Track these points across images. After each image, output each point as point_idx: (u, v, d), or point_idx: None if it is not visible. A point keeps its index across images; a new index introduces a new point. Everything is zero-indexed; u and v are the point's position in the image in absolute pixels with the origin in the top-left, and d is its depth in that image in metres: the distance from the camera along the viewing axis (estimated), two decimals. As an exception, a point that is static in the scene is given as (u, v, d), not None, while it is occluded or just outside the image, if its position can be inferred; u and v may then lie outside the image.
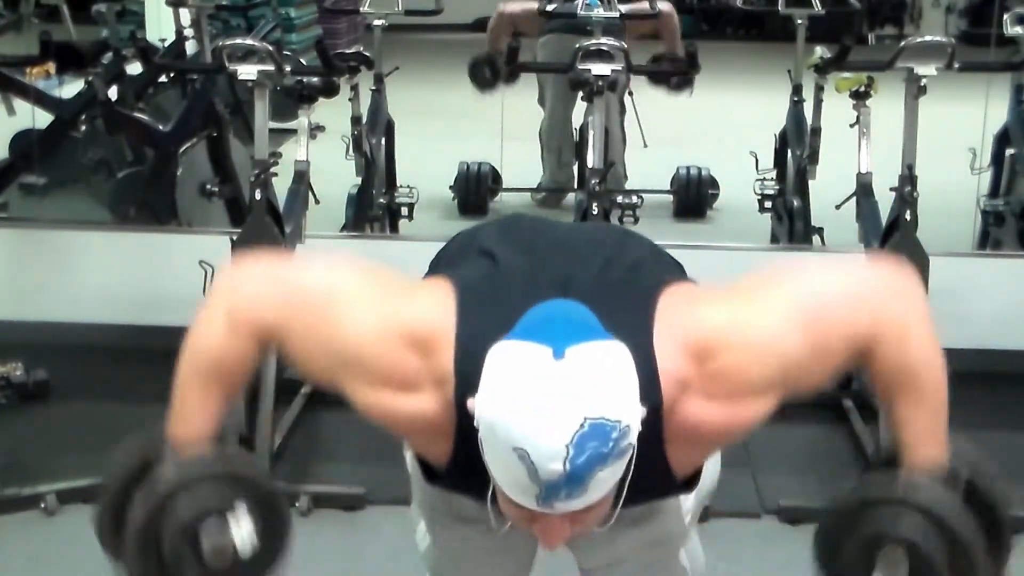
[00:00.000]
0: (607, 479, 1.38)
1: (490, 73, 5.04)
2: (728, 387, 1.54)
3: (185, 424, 1.63)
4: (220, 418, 1.66)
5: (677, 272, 1.77)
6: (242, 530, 1.57)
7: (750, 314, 1.58)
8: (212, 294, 1.69)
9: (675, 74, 3.74)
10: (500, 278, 1.63)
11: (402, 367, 1.54)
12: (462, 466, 1.53)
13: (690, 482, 1.65)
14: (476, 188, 5.33)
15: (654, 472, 1.52)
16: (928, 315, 1.66)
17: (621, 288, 1.62)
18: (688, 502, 1.86)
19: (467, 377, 1.47)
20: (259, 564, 1.60)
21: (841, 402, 3.73)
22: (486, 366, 1.40)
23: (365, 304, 1.60)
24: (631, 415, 1.37)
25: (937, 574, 1.54)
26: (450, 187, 5.33)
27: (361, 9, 4.76)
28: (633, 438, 1.38)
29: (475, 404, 1.39)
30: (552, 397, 1.34)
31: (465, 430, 1.45)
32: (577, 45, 3.58)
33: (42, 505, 3.09)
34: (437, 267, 1.80)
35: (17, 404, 3.67)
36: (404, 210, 4.88)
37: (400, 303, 1.61)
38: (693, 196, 5.40)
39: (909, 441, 1.64)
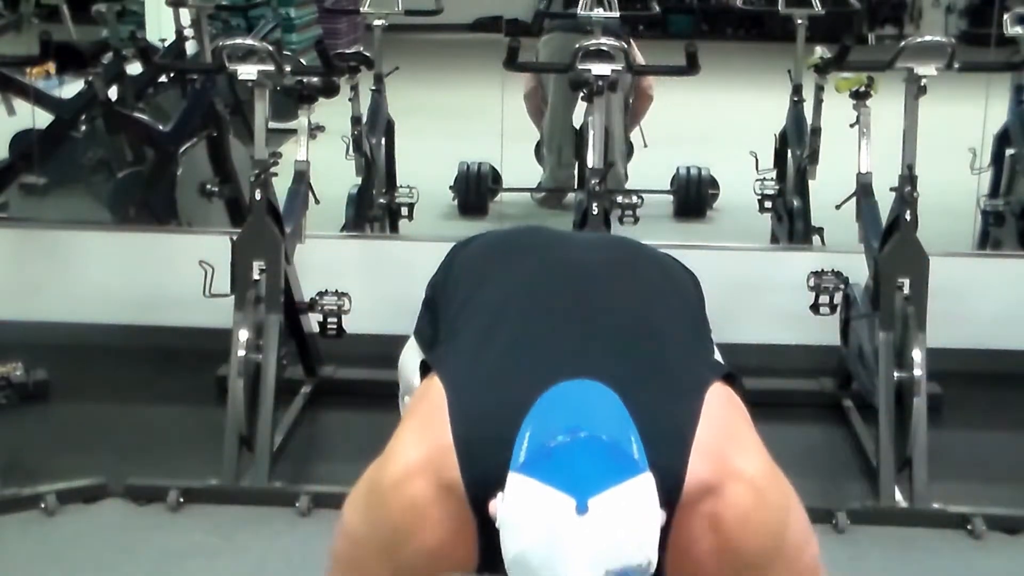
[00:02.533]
0: None
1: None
2: (725, 534, 1.60)
3: None
4: None
5: (708, 341, 1.85)
6: None
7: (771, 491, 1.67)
8: None
9: (675, 74, 3.73)
10: (507, 349, 1.66)
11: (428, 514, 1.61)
12: (492, 560, 1.56)
13: None
14: (476, 188, 5.33)
15: None
16: None
17: (674, 374, 1.67)
18: None
19: (476, 481, 1.53)
20: None
21: (841, 402, 3.74)
22: (508, 498, 1.41)
23: (365, 511, 1.71)
24: (652, 551, 1.39)
25: None
26: (450, 187, 5.33)
27: (361, 9, 4.76)
28: (654, 566, 1.40)
29: (496, 510, 1.43)
30: (576, 555, 1.35)
31: (486, 529, 1.50)
32: (577, 45, 3.58)
33: (42, 505, 3.09)
34: (436, 301, 1.86)
35: (17, 404, 3.67)
36: (404, 210, 4.88)
37: (383, 468, 1.68)
38: (693, 196, 5.39)
39: None
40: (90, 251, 4.28)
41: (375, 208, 4.72)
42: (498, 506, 1.42)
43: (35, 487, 3.13)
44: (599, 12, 4.62)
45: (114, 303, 4.12)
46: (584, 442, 1.41)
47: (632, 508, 1.39)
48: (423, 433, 1.65)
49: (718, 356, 1.94)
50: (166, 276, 4.08)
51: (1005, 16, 4.44)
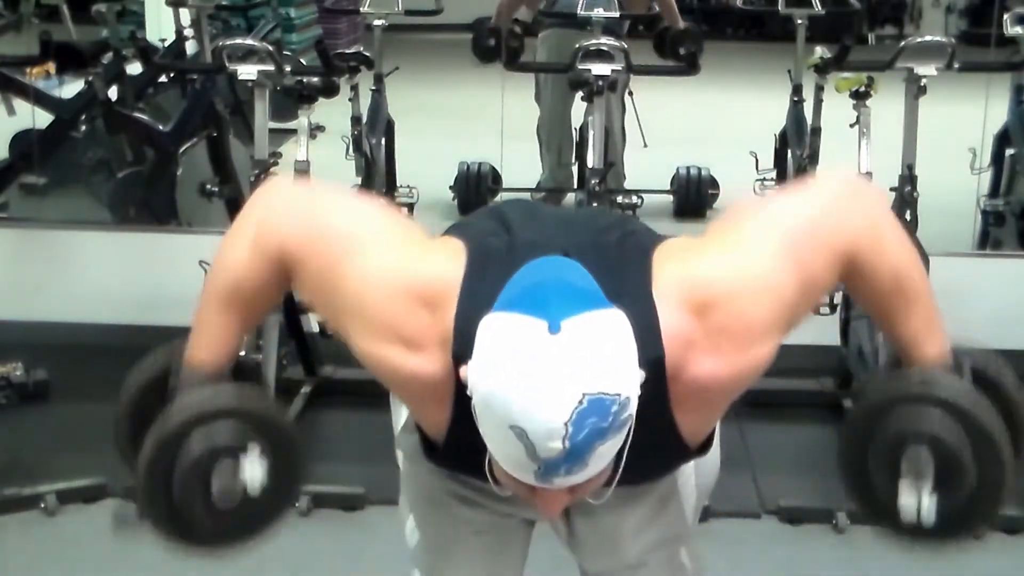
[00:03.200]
0: (607, 452, 1.35)
1: (493, 44, 5.00)
2: (733, 339, 1.52)
3: (201, 347, 1.63)
4: (238, 344, 1.65)
5: (663, 237, 1.74)
6: (254, 469, 1.54)
7: (739, 260, 1.56)
8: (243, 212, 1.67)
9: (675, 74, 3.74)
10: (508, 245, 1.60)
11: (406, 322, 1.52)
12: (461, 436, 1.49)
13: (702, 447, 1.63)
14: (476, 188, 5.33)
15: (664, 439, 1.51)
16: (894, 218, 1.68)
17: (618, 249, 1.60)
18: (692, 499, 1.86)
19: (464, 340, 1.44)
20: (270, 503, 1.58)
21: (841, 402, 3.74)
22: (478, 338, 1.37)
23: (381, 254, 1.57)
24: (630, 386, 1.34)
25: (964, 466, 1.53)
26: (450, 187, 5.33)
27: (361, 9, 4.76)
28: (633, 409, 1.35)
29: (468, 374, 1.37)
30: (549, 374, 1.31)
31: (463, 396, 1.42)
32: (577, 45, 3.58)
33: (42, 505, 3.09)
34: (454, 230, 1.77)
35: (17, 404, 3.67)
36: (404, 210, 4.87)
37: (415, 259, 1.58)
38: (693, 196, 5.39)
39: (910, 342, 1.63)
40: (90, 251, 4.28)
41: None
42: (469, 366, 1.36)
43: (35, 487, 3.14)
44: (599, 12, 4.62)
45: (114, 303, 4.12)
46: (554, 281, 1.40)
47: (605, 332, 1.34)
48: (452, 264, 1.55)
49: None
50: (166, 276, 4.08)
51: (1005, 16, 4.44)
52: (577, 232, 1.65)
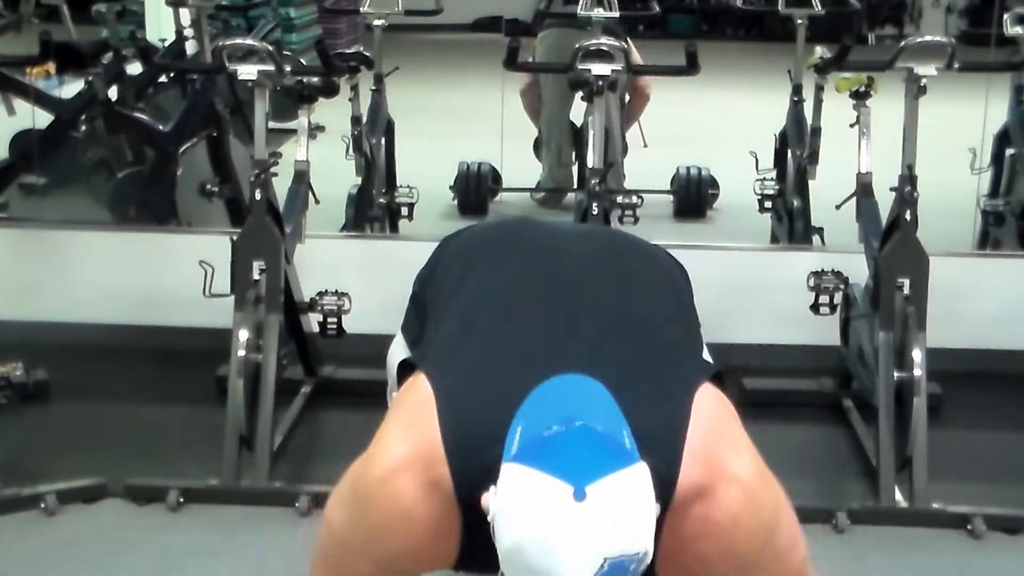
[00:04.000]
0: None
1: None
2: (716, 535, 1.61)
3: None
4: None
5: (696, 338, 1.85)
6: None
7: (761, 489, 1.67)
8: None
9: (675, 74, 3.73)
10: (494, 343, 1.66)
11: (413, 507, 1.60)
12: (473, 554, 1.57)
13: None
14: (476, 188, 5.33)
15: None
16: None
17: (659, 373, 1.67)
18: None
19: (465, 477, 1.52)
20: None
21: (841, 402, 3.74)
22: (502, 490, 1.40)
23: (350, 508, 1.69)
24: (649, 540, 1.39)
25: None
26: (450, 187, 5.33)
27: (361, 9, 4.76)
28: (650, 557, 1.40)
29: (488, 504, 1.41)
30: (574, 541, 1.34)
31: (471, 526, 1.50)
32: (577, 45, 3.58)
33: (42, 505, 3.09)
34: (423, 294, 1.86)
35: (17, 404, 3.67)
36: (404, 210, 4.87)
37: (369, 465, 1.66)
38: (693, 196, 5.40)
39: None
40: (90, 251, 4.28)
41: (375, 208, 4.72)
42: (491, 499, 1.41)
43: (35, 487, 3.13)
44: (599, 12, 4.62)
45: (114, 303, 4.12)
46: (579, 431, 1.41)
47: (629, 496, 1.38)
48: (409, 429, 1.64)
49: (707, 354, 1.93)
50: (166, 276, 4.08)
51: (1005, 16, 4.44)
52: (591, 322, 1.71)
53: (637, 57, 4.28)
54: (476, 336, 1.73)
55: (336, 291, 3.62)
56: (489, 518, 1.40)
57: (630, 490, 1.38)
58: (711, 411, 1.66)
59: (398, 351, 2.02)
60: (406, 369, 1.77)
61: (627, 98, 5.31)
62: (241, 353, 3.18)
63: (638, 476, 1.40)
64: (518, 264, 1.82)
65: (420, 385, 1.67)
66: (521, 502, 1.37)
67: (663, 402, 1.62)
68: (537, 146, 5.54)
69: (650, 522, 1.39)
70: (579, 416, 1.43)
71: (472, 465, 1.52)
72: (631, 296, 1.82)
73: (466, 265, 1.90)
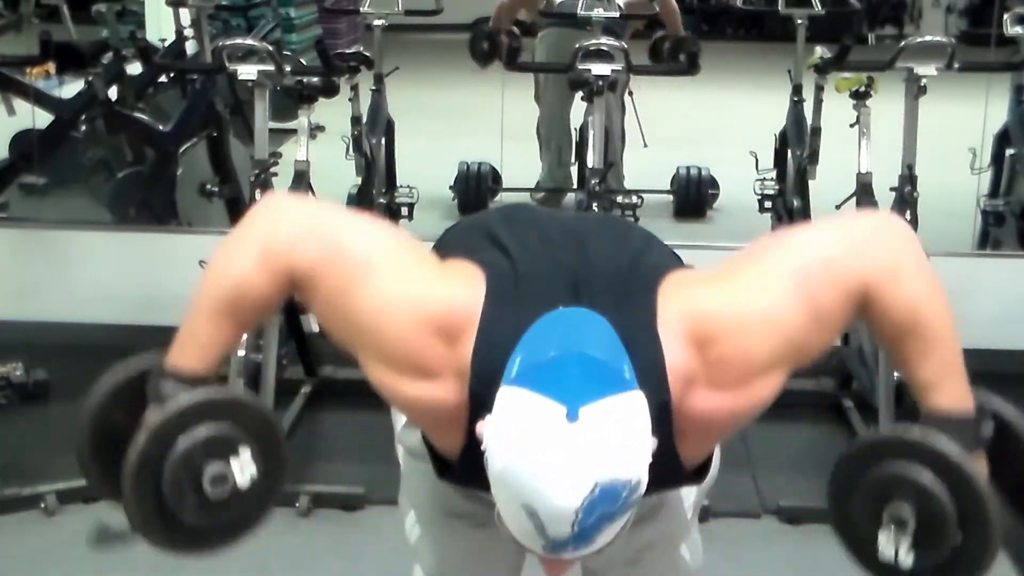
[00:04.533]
0: (614, 529, 1.37)
1: (488, 47, 5.01)
2: (734, 373, 1.52)
3: (189, 355, 1.59)
4: (227, 355, 1.62)
5: (674, 259, 1.75)
6: (243, 463, 1.54)
7: (745, 293, 1.55)
8: (245, 224, 1.62)
9: (676, 74, 3.74)
10: (517, 274, 1.59)
11: (422, 351, 1.52)
12: (473, 461, 1.48)
13: (700, 471, 1.63)
14: (476, 188, 5.33)
15: (665, 468, 1.50)
16: (923, 258, 1.59)
17: (627, 280, 1.60)
18: (691, 496, 1.86)
19: (482, 379, 1.45)
20: (257, 498, 1.57)
21: (841, 402, 3.74)
22: (496, 410, 1.37)
23: (398, 279, 1.55)
24: (642, 469, 1.35)
25: (947, 527, 1.48)
26: (450, 187, 5.34)
27: (361, 9, 4.76)
28: (643, 488, 1.36)
29: (484, 435, 1.37)
30: (564, 462, 1.31)
31: (470, 449, 1.44)
32: (577, 44, 3.58)
33: (42, 505, 3.09)
34: (442, 249, 1.74)
35: (17, 404, 3.67)
36: (404, 210, 4.88)
37: (431, 285, 1.56)
38: (693, 196, 5.40)
39: (923, 389, 1.55)
40: (90, 251, 4.28)
41: (375, 208, 4.72)
42: (485, 425, 1.37)
43: (35, 487, 3.13)
44: (599, 11, 4.62)
45: (114, 303, 4.12)
46: (577, 356, 1.38)
47: (624, 420, 1.35)
48: (471, 293, 1.54)
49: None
50: (166, 276, 4.08)
51: (1005, 16, 4.44)
52: (585, 255, 1.64)
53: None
54: (504, 254, 1.64)
55: (336, 291, 3.61)
56: (483, 446, 1.37)
57: (625, 415, 1.35)
58: (675, 285, 1.59)
59: None
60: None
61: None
62: (241, 353, 3.18)
63: (634, 403, 1.36)
64: (519, 225, 1.78)
65: (473, 269, 1.58)
66: (513, 422, 1.35)
67: (636, 300, 1.56)
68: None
69: (645, 452, 1.35)
70: (579, 345, 1.41)
71: (485, 386, 1.45)
72: (625, 240, 1.76)
73: (481, 223, 1.83)
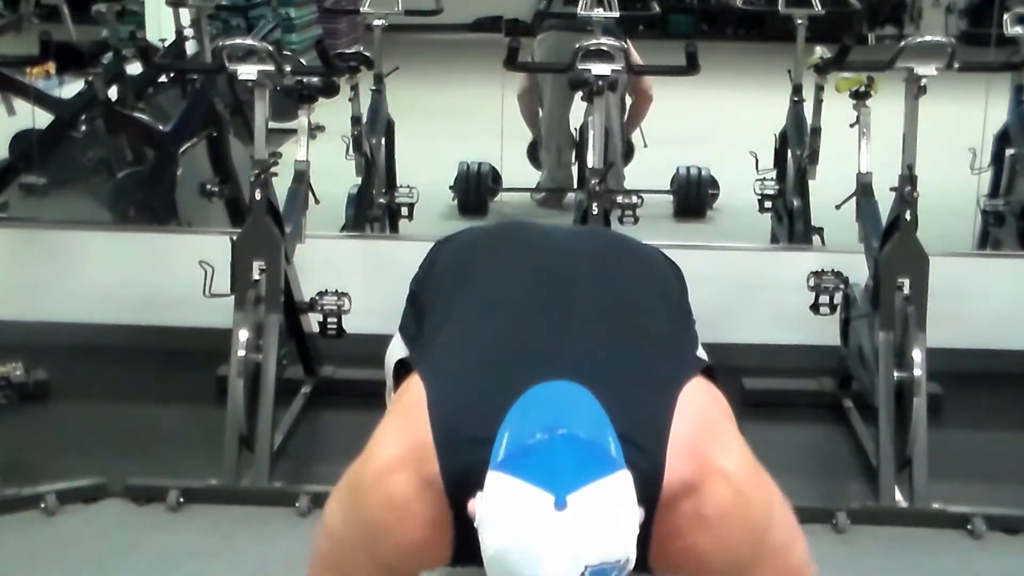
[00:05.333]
0: None
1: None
2: (706, 531, 1.61)
3: None
4: None
5: (689, 335, 1.84)
6: None
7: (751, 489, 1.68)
8: None
9: (675, 74, 3.73)
10: (486, 344, 1.68)
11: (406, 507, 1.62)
12: (466, 554, 1.57)
13: None
14: (476, 188, 5.33)
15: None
16: None
17: (642, 373, 1.67)
18: None
19: (455, 477, 1.54)
20: None
21: (841, 402, 3.74)
22: (486, 497, 1.42)
23: (347, 508, 1.71)
24: (630, 547, 1.40)
25: None
26: (450, 187, 5.33)
27: (361, 9, 4.76)
28: (632, 564, 1.41)
29: (475, 509, 1.43)
30: (554, 550, 1.36)
31: (462, 524, 1.51)
32: (577, 45, 3.58)
33: (42, 505, 3.09)
34: (420, 295, 1.87)
35: (17, 404, 3.67)
36: (404, 210, 4.88)
37: (364, 465, 1.68)
38: (693, 196, 5.40)
39: None
40: (90, 251, 4.28)
41: (375, 208, 4.72)
42: (477, 505, 1.42)
43: (35, 487, 3.13)
44: (599, 12, 4.62)
45: (114, 303, 4.12)
46: (562, 439, 1.43)
47: (610, 504, 1.39)
48: (403, 429, 1.66)
49: (701, 351, 1.94)
50: (166, 276, 4.08)
51: (1005, 16, 4.44)
52: (579, 325, 1.71)
53: (636, 58, 4.28)
54: (469, 337, 1.75)
55: (336, 291, 3.62)
56: (475, 524, 1.42)
57: (611, 498, 1.40)
58: (699, 405, 1.67)
59: (396, 351, 2.04)
60: (402, 369, 1.79)
61: (628, 101, 5.32)
62: (241, 353, 3.18)
63: (620, 483, 1.41)
64: (512, 266, 1.83)
65: (414, 385, 1.69)
66: (503, 510, 1.39)
67: (649, 397, 1.63)
68: (532, 152, 5.54)
69: (632, 529, 1.40)
70: (563, 424, 1.45)
71: (461, 464, 1.55)
72: (622, 295, 1.83)
73: (461, 267, 1.91)
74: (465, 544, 1.57)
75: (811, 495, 3.18)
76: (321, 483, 3.25)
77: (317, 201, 3.73)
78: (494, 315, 1.76)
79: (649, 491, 1.51)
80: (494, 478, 1.42)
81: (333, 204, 4.35)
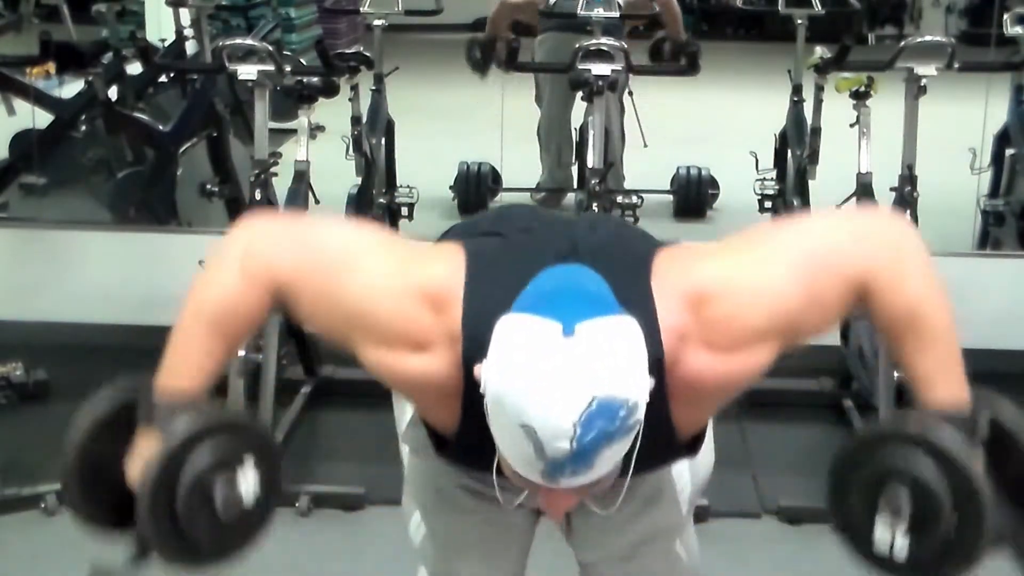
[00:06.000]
0: (613, 455, 1.37)
1: (481, 56, 5.03)
2: (727, 334, 1.53)
3: (181, 375, 1.61)
4: (219, 372, 1.64)
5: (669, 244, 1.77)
6: (249, 481, 1.57)
7: (745, 264, 1.57)
8: (225, 245, 1.65)
9: (675, 74, 3.74)
10: (507, 246, 1.63)
11: (413, 324, 1.54)
12: (471, 432, 1.51)
13: (693, 445, 1.64)
14: (476, 188, 5.33)
15: (658, 433, 1.51)
16: (926, 258, 1.63)
17: (618, 248, 1.63)
18: (687, 490, 1.86)
19: (475, 339, 1.46)
20: (260, 515, 1.62)
21: (841, 402, 3.74)
22: (495, 337, 1.38)
23: (379, 263, 1.59)
24: (639, 391, 1.36)
25: (942, 514, 1.50)
26: (450, 187, 5.34)
27: (361, 9, 4.76)
28: (641, 414, 1.37)
29: (482, 372, 1.38)
30: (561, 375, 1.33)
31: (473, 393, 1.44)
32: (577, 45, 3.58)
33: (42, 505, 3.09)
34: (448, 235, 1.77)
35: (17, 404, 3.67)
36: (404, 210, 4.88)
37: (412, 263, 1.59)
38: (693, 196, 5.40)
39: (921, 383, 1.57)
40: (90, 251, 4.28)
41: (375, 208, 4.72)
42: (483, 366, 1.38)
43: (35, 487, 3.13)
44: (599, 12, 4.62)
45: (114, 303, 4.12)
46: (572, 287, 1.43)
47: (618, 338, 1.37)
48: (453, 266, 1.57)
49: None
50: (166, 276, 4.06)
51: (1005, 16, 4.44)
52: (575, 232, 1.67)
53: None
54: (491, 242, 1.67)
55: (336, 291, 3.62)
56: (481, 389, 1.38)
57: (620, 333, 1.37)
58: (671, 254, 1.62)
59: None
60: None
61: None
62: (241, 353, 3.18)
63: (628, 323, 1.39)
64: (511, 217, 1.80)
65: (455, 254, 1.61)
66: (510, 343, 1.36)
67: (630, 266, 1.58)
68: (469, 49, 5.32)
69: (640, 372, 1.37)
70: (575, 285, 1.45)
71: (479, 333, 1.46)
72: (623, 235, 1.78)
73: (473, 223, 1.86)
74: (467, 432, 1.53)
75: (811, 495, 3.18)
76: (321, 483, 3.25)
77: (317, 201, 3.73)
78: (506, 227, 1.70)
79: (653, 352, 1.44)
80: (504, 320, 1.39)
81: (333, 204, 4.35)
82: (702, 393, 1.57)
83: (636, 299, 1.49)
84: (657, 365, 1.46)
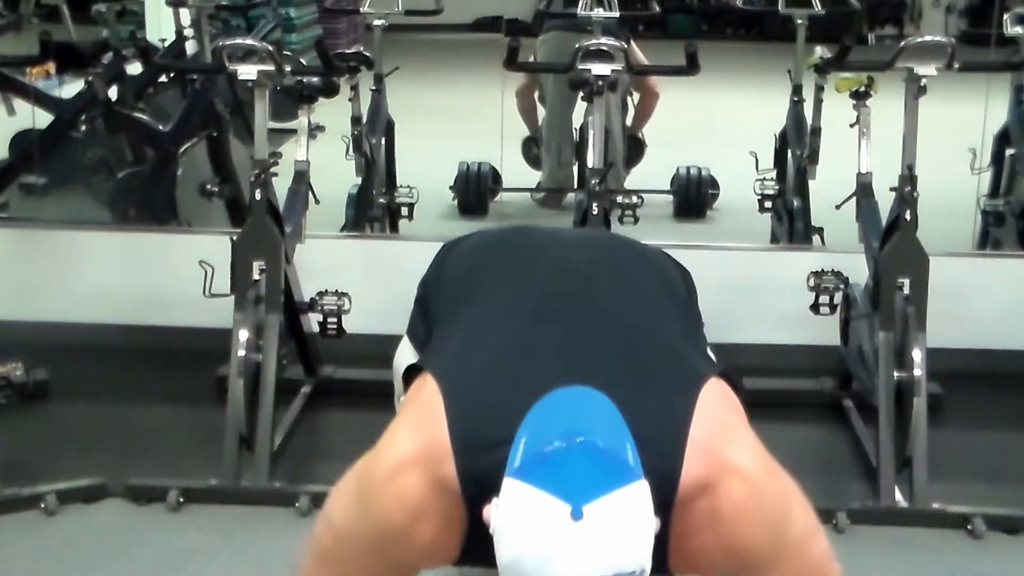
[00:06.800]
0: None
1: (536, 149, 5.42)
2: (724, 529, 1.62)
3: None
4: None
5: (699, 337, 1.86)
6: None
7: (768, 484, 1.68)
8: None
9: (675, 74, 3.73)
10: (501, 347, 1.67)
11: (412, 508, 1.62)
12: (474, 555, 1.59)
13: None
14: (476, 188, 5.33)
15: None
16: None
17: (662, 370, 1.68)
18: None
19: (472, 479, 1.54)
20: None
21: (841, 402, 3.74)
22: (503, 504, 1.41)
23: (355, 504, 1.70)
24: (646, 558, 1.40)
25: None
26: (450, 187, 5.33)
27: (361, 9, 4.76)
28: (648, 573, 1.41)
29: (490, 516, 1.42)
30: (569, 562, 1.36)
31: (475, 525, 1.51)
32: (577, 45, 3.58)
33: (42, 505, 3.09)
34: (428, 298, 1.86)
35: (17, 404, 3.67)
36: (404, 210, 4.88)
37: (376, 461, 1.67)
38: (693, 196, 5.40)
39: None
40: (90, 251, 4.28)
41: (375, 208, 4.72)
42: (493, 512, 1.42)
43: (35, 487, 3.13)
44: (599, 12, 4.62)
45: (114, 303, 4.12)
46: (580, 447, 1.42)
47: (626, 515, 1.39)
48: (417, 427, 1.65)
49: (710, 353, 1.95)
50: (166, 276, 4.08)
51: (1005, 16, 4.44)
52: (594, 333, 1.71)
53: (641, 57, 4.28)
54: (484, 340, 1.74)
55: (336, 291, 3.62)
56: (491, 530, 1.42)
57: (628, 509, 1.39)
58: (715, 407, 1.67)
59: (405, 356, 2.03)
60: (413, 373, 1.78)
61: (634, 97, 5.32)
62: (241, 353, 3.18)
63: (637, 494, 1.41)
64: (524, 270, 1.83)
65: (428, 385, 1.68)
66: (520, 519, 1.39)
67: (666, 400, 1.63)
68: (526, 148, 5.52)
69: (647, 539, 1.40)
70: (581, 431, 1.44)
71: (478, 465, 1.54)
72: (635, 298, 1.83)
73: (472, 271, 1.91)
74: (473, 544, 1.58)
75: (811, 495, 3.16)
76: (321, 483, 3.24)
77: (317, 201, 3.73)
78: (508, 319, 1.76)
79: (666, 493, 1.51)
80: (511, 485, 1.42)
81: (333, 204, 4.35)
82: (695, 558, 1.65)
83: (670, 420, 1.57)
84: (671, 482, 1.55)
